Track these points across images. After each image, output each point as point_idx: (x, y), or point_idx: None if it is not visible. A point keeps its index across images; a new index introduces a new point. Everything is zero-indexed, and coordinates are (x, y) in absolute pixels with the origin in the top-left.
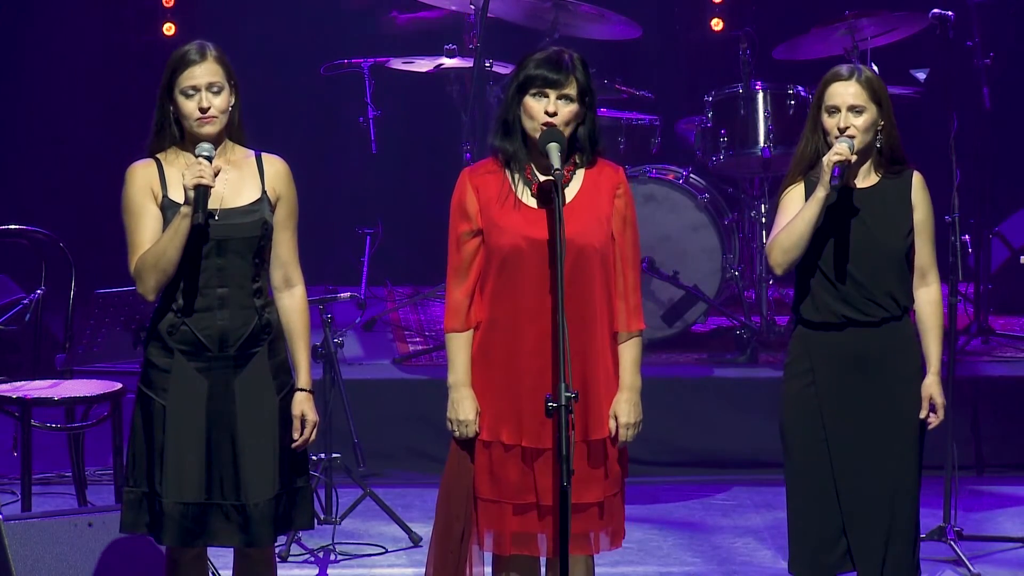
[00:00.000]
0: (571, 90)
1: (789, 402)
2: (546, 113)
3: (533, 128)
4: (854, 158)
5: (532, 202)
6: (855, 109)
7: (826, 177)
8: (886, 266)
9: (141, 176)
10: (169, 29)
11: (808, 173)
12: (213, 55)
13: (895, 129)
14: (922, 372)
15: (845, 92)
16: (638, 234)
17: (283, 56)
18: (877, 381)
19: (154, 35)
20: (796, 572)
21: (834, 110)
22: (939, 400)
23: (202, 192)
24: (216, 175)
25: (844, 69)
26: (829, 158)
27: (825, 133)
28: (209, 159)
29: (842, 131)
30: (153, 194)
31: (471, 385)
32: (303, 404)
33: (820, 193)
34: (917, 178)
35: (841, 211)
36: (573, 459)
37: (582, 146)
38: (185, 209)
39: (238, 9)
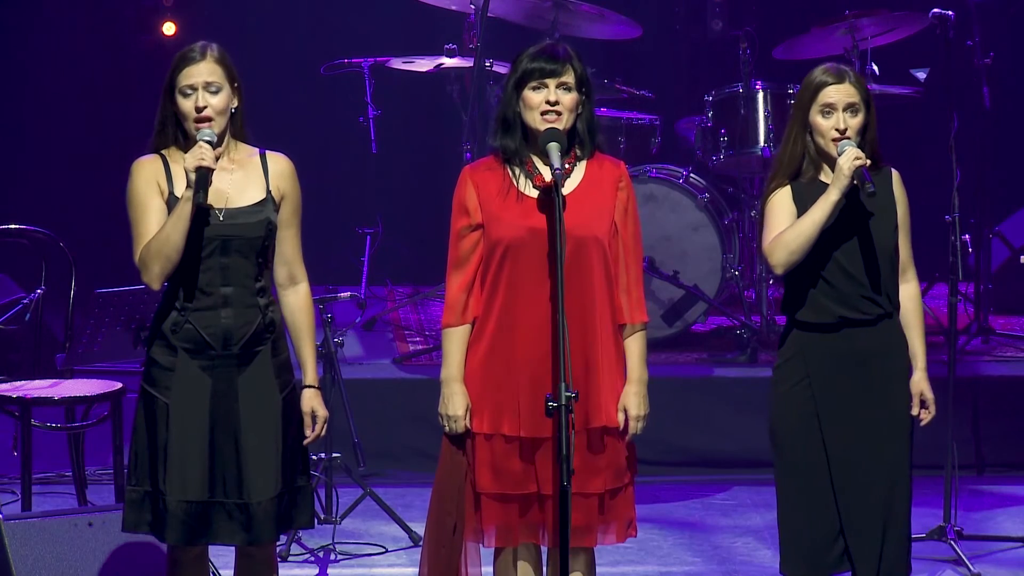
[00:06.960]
0: (569, 79)
1: (783, 403)
2: (547, 103)
3: (533, 120)
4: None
5: (534, 194)
6: (851, 108)
7: (843, 182)
8: (880, 263)
9: (147, 170)
10: (169, 29)
11: (797, 176)
12: (213, 55)
13: (875, 129)
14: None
15: (842, 92)
16: (640, 227)
17: (283, 56)
18: (872, 379)
19: (154, 35)
20: (791, 573)
21: (829, 111)
22: (929, 396)
23: (203, 174)
24: (217, 159)
25: (832, 70)
26: (851, 164)
27: (814, 135)
28: (211, 143)
29: (840, 131)
30: (159, 188)
31: (463, 380)
32: (312, 400)
33: (833, 196)
34: (896, 175)
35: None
36: (574, 449)
37: (581, 138)
38: (187, 193)
39: (238, 9)
